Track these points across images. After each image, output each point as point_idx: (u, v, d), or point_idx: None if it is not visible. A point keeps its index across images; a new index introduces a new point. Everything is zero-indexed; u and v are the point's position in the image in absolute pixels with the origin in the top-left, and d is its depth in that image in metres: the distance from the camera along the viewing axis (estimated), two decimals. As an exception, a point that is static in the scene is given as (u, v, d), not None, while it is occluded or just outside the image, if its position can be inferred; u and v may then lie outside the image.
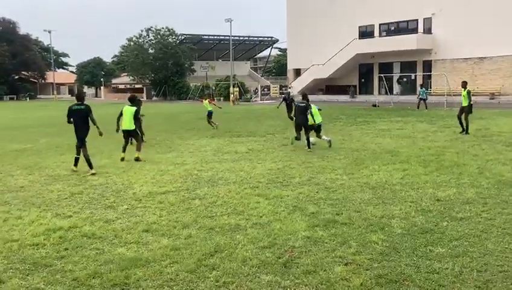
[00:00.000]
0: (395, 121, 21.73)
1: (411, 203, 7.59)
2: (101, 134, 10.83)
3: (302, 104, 13.52)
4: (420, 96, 28.95)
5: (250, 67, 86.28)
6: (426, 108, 28.26)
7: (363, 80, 48.65)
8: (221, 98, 54.90)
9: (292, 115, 16.95)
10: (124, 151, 12.61)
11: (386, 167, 10.59)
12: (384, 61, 44.98)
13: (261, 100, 50.68)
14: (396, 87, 42.93)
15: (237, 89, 49.18)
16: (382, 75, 38.55)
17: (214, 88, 58.56)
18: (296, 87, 51.23)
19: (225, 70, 60.38)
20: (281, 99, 20.12)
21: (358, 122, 21.80)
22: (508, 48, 35.96)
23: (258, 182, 9.41)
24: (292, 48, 54.88)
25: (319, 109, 14.35)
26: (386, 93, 39.42)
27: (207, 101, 21.88)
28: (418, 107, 28.48)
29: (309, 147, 13.20)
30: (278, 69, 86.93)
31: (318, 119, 13.97)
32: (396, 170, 10.14)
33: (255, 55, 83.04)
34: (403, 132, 17.31)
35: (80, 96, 10.54)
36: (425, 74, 41.51)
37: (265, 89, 54.12)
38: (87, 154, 10.48)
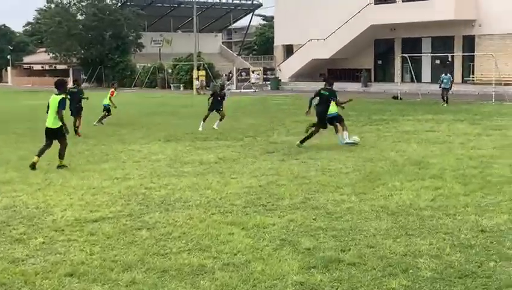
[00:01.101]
0: (424, 120, 22.02)
1: (445, 235, 7.67)
2: None
3: (326, 93, 15.67)
4: (444, 86, 29.17)
5: (223, 42, 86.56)
6: (447, 102, 28.63)
7: (380, 62, 49.18)
8: (181, 86, 54.94)
9: (209, 110, 20.41)
10: (39, 155, 12.67)
11: (411, 184, 10.69)
12: (409, 36, 45.57)
13: (237, 89, 50.79)
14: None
15: (203, 72, 49.24)
16: (406, 55, 39.00)
17: (169, 71, 58.50)
18: (285, 70, 51.55)
19: (186, 46, 60.37)
20: (210, 94, 20.86)
21: (374, 120, 22.02)
22: None
23: (231, 204, 9.42)
24: (281, 16, 55.23)
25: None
26: (412, 80, 39.87)
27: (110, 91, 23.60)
28: (444, 100, 28.69)
29: (301, 143, 15.25)
30: (262, 45, 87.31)
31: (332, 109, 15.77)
32: (425, 189, 10.24)
33: (229, 25, 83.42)
34: (434, 136, 17.53)
35: None
36: (465, 54, 42.16)
37: (244, 73, 54.25)
38: None
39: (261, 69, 55.30)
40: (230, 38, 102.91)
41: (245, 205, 9.37)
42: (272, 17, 69.80)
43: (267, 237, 7.69)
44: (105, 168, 12.80)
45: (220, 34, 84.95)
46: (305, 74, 50.74)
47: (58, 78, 13.89)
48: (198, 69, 48.39)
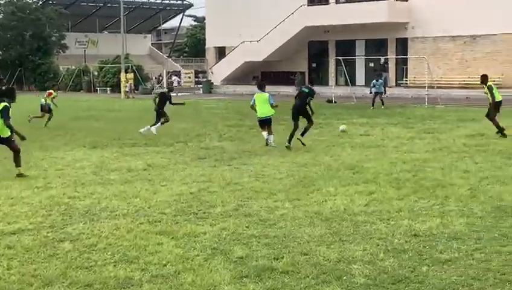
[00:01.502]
0: (359, 123, 22.47)
1: (379, 240, 7.84)
2: None
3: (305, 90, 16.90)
4: (376, 90, 30.02)
5: (152, 44, 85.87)
6: (382, 104, 29.50)
7: (314, 65, 49.87)
8: (108, 89, 54.12)
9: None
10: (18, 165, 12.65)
11: (345, 189, 10.88)
12: (344, 38, 46.42)
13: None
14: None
15: (132, 75, 48.67)
16: (340, 58, 39.73)
17: (95, 74, 57.54)
18: (218, 73, 51.57)
19: (113, 48, 59.60)
20: (155, 96, 21.12)
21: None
22: (510, 22, 38.30)
23: (161, 213, 9.36)
24: (213, 17, 55.28)
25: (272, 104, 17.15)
26: (347, 84, 40.63)
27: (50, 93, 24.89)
28: (373, 105, 29.53)
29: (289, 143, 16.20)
30: (193, 46, 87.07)
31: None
32: (359, 194, 10.45)
33: (159, 25, 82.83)
34: (369, 140, 17.91)
35: None
36: (399, 56, 43.28)
37: (174, 76, 53.97)
38: None
39: (193, 71, 55.17)
40: (160, 40, 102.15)
41: (175, 214, 9.32)
42: (203, 18, 69.77)
43: (198, 246, 7.67)
44: (25, 177, 12.46)
45: (149, 35, 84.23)
46: (238, 77, 50.93)
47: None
48: (126, 72, 47.74)
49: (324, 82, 46.74)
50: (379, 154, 14.94)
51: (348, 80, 39.41)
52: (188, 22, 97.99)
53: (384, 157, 14.52)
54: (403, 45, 44.13)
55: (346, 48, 46.59)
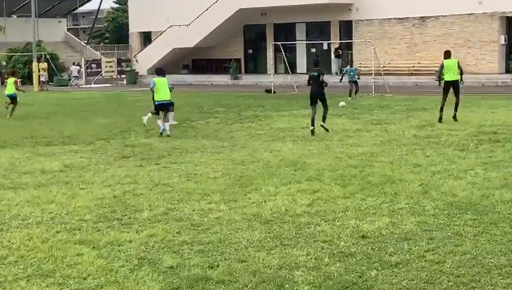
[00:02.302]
0: (301, 115, 22.63)
1: (324, 243, 7.90)
2: None
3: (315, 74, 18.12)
4: (350, 78, 29.66)
5: (68, 29, 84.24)
6: (356, 93, 29.33)
7: (250, 52, 49.99)
8: (19, 81, 52.81)
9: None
10: None
11: (286, 187, 10.94)
12: (282, 21, 46.70)
13: (87, 84, 49.62)
14: (334, 63, 43.91)
15: (45, 65, 47.68)
16: (279, 43, 39.95)
17: (3, 63, 56.08)
18: (144, 61, 51.03)
19: (24, 34, 58.19)
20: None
21: (245, 117, 22.34)
22: (462, 3, 39.30)
23: (80, 220, 9.23)
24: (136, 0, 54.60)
25: (171, 88, 18.80)
26: (287, 71, 40.90)
27: (12, 80, 26.10)
28: (350, 95, 29.11)
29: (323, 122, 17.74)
30: (115, 32, 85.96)
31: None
32: (302, 193, 10.52)
33: (75, 8, 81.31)
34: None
35: None
36: (343, 41, 43.83)
37: (94, 66, 53.15)
38: None
39: (114, 60, 54.42)
40: (77, 25, 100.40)
41: (96, 220, 9.20)
42: (126, 0, 68.85)
43: (123, 256, 7.58)
44: None
45: (65, 19, 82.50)
46: (167, 66, 50.44)
47: None
48: (38, 61, 46.71)
49: (262, 70, 47.00)
50: (323, 149, 15.08)
51: (288, 67, 39.63)
52: (108, 4, 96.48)
53: (328, 151, 14.66)
54: (347, 29, 44.71)
55: (285, 32, 46.91)
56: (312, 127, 17.50)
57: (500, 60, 39.11)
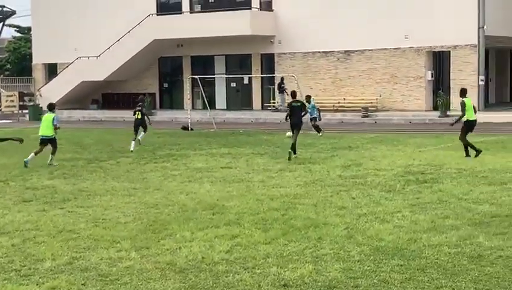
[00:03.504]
0: (220, 154, 22.68)
1: (243, 293, 7.90)
2: None
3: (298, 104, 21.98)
4: (312, 115, 29.54)
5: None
6: (319, 131, 29.22)
7: (166, 86, 49.89)
8: None
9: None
10: None
11: (203, 233, 10.91)
12: (200, 53, 46.88)
13: (-16, 119, 48.38)
14: (277, 97, 43.48)
15: None
16: (197, 76, 40.06)
17: None
18: (49, 95, 50.12)
19: None
20: None
21: (159, 156, 22.22)
22: (388, 37, 40.41)
23: (-27, 272, 8.94)
24: (41, 28, 53.85)
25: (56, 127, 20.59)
26: (205, 107, 40.98)
27: None
28: (317, 129, 29.23)
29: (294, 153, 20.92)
30: (16, 63, 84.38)
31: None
32: (220, 238, 10.51)
33: (-27, 37, 79.57)
34: (231, 173, 18.11)
35: None
36: (264, 75, 44.28)
37: (-7, 99, 51.96)
38: None
39: (16, 94, 53.31)
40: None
41: (-8, 272, 8.93)
42: (29, 29, 67.85)
43: (22, 311, 7.37)
44: None
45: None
46: (74, 100, 49.84)
47: None
48: None
49: (178, 105, 46.90)
50: (243, 191, 15.13)
51: (207, 102, 39.74)
52: (9, 33, 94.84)
53: (249, 193, 14.72)
54: (269, 62, 45.23)
55: (203, 65, 47.08)
56: (290, 151, 20.73)
57: (427, 96, 40.23)
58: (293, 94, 22.89)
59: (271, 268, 8.84)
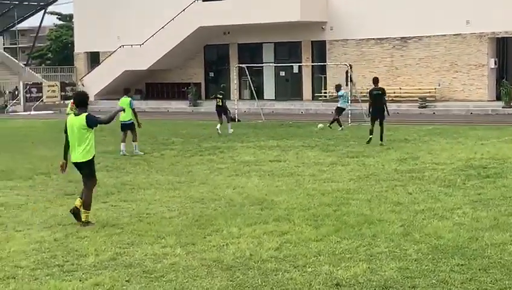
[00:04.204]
0: (268, 146, 22.68)
1: (294, 292, 7.89)
2: None
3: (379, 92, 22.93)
4: (340, 104, 29.52)
5: (4, 48, 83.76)
6: (340, 125, 28.70)
7: (211, 75, 50.06)
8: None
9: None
10: None
11: (251, 229, 10.90)
12: (247, 41, 46.92)
13: (25, 111, 49.27)
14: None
15: (-23, 88, 47.28)
16: (244, 65, 40.05)
17: None
18: (91, 84, 50.77)
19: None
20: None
21: (205, 149, 22.32)
22: (448, 22, 39.83)
23: (15, 267, 9.12)
24: (83, 15, 54.57)
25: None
26: (253, 97, 41.01)
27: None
28: (336, 122, 28.77)
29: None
30: (58, 52, 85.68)
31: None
32: (269, 235, 10.49)
33: (13, 25, 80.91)
34: (280, 166, 18.10)
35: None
36: (315, 64, 44.10)
37: (34, 90, 52.82)
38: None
39: (57, 84, 54.08)
40: (16, 43, 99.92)
41: (34, 267, 9.08)
42: (71, 16, 68.76)
43: (64, 308, 7.49)
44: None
45: (1, 37, 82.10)
46: (118, 90, 50.21)
47: None
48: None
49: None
50: (293, 185, 15.10)
51: (255, 92, 39.75)
52: (51, 21, 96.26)
53: (299, 188, 14.69)
54: (320, 49, 45.05)
55: (251, 53, 47.08)
56: (371, 136, 22.21)
57: (489, 85, 39.69)
58: (375, 81, 23.58)
59: (323, 267, 8.80)
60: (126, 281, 8.42)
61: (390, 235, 10.36)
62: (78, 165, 11.92)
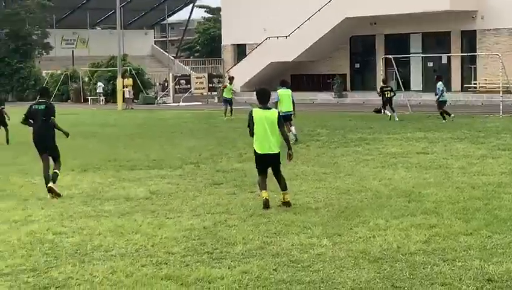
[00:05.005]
0: (415, 138, 22.35)
1: (443, 286, 7.76)
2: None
3: None
4: (441, 98, 28.81)
5: (155, 42, 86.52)
6: (444, 117, 28.37)
7: (357, 66, 49.78)
8: (102, 99, 54.62)
9: None
10: None
11: (398, 221, 10.80)
12: (394, 32, 46.34)
13: (175, 102, 50.71)
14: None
15: (131, 81, 49.02)
16: (391, 56, 39.62)
17: (86, 79, 58.04)
18: (237, 77, 51.55)
19: (108, 47, 60.16)
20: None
21: (350, 140, 22.25)
22: None
23: (167, 253, 9.39)
24: (230, 8, 55.54)
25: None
26: (399, 88, 40.50)
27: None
28: (443, 116, 28.39)
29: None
30: (206, 45, 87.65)
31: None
32: (416, 227, 10.36)
33: (163, 19, 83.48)
34: (428, 159, 17.80)
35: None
36: (465, 54, 43.03)
37: (183, 82, 54.30)
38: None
39: (205, 76, 55.33)
40: (165, 37, 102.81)
41: (185, 254, 9.31)
42: (219, 9, 70.11)
43: (214, 294, 7.65)
44: (-1, 209, 12.58)
45: (152, 31, 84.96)
46: (263, 82, 50.90)
47: None
48: (123, 77, 47.98)
49: (371, 87, 46.64)
50: (441, 178, 14.83)
51: (401, 84, 39.25)
52: (199, 14, 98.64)
53: (447, 181, 14.41)
54: (470, 40, 43.88)
55: (397, 44, 46.48)
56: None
57: None
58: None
59: (473, 261, 8.60)
60: (273, 269, 8.51)
61: (545, 230, 10.01)
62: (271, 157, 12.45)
